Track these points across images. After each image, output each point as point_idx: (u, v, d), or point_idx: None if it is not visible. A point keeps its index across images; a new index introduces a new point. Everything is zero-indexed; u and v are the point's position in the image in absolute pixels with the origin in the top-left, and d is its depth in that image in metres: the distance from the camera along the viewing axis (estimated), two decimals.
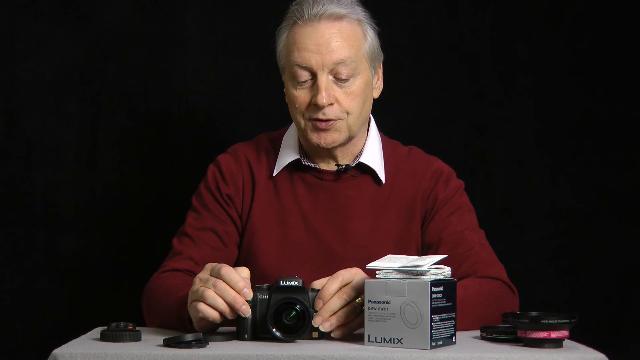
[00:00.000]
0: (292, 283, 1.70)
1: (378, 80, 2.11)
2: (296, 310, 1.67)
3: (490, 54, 2.67)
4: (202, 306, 1.70)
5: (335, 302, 1.69)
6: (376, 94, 2.11)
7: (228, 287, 1.68)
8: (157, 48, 2.61)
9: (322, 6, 2.02)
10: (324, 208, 2.09)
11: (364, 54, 2.04)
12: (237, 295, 1.68)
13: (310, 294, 1.70)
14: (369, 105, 2.09)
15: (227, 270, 1.70)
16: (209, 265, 1.75)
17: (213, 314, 1.70)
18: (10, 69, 2.57)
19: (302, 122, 2.04)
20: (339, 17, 2.02)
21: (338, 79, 2.01)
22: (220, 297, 1.68)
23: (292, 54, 2.02)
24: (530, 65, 2.67)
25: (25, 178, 2.57)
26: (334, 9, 2.02)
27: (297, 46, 2.02)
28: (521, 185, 2.67)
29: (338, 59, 1.99)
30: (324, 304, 1.69)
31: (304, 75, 2.01)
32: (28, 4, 2.57)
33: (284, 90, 2.09)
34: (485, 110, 2.67)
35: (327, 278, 1.72)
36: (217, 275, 1.70)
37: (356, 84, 2.02)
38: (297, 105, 2.03)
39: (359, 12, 2.06)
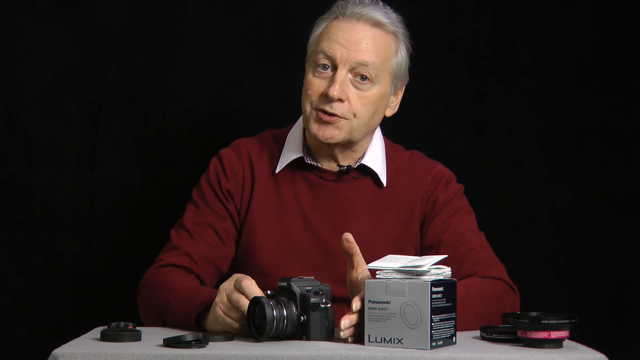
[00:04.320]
0: (282, 284, 1.72)
1: (395, 101, 2.12)
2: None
3: (490, 54, 2.67)
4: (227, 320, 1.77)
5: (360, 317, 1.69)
6: (389, 112, 2.12)
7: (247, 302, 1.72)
8: (157, 48, 2.61)
9: (366, 8, 2.05)
10: (323, 207, 2.10)
11: (389, 68, 2.06)
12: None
13: (302, 293, 1.69)
14: (378, 119, 2.09)
15: (247, 283, 1.73)
16: (234, 278, 1.77)
17: (234, 325, 1.76)
18: (10, 69, 2.57)
19: (309, 110, 2.04)
20: (377, 24, 2.04)
21: (356, 80, 2.02)
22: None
23: (322, 42, 2.04)
24: (530, 65, 2.67)
25: (25, 178, 2.57)
26: (376, 14, 2.05)
27: (328, 36, 2.04)
28: (521, 185, 2.67)
29: (362, 60, 2.01)
30: (357, 311, 1.68)
31: (326, 64, 2.02)
32: (28, 4, 2.57)
33: (304, 79, 2.09)
34: (485, 110, 2.67)
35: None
36: (238, 286, 1.74)
37: (372, 91, 2.03)
38: (309, 92, 2.04)
39: (399, 28, 2.08)
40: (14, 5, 2.57)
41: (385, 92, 2.06)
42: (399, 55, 2.08)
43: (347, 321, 1.67)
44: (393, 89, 2.09)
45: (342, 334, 1.67)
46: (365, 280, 1.66)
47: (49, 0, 2.58)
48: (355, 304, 1.67)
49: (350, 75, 2.02)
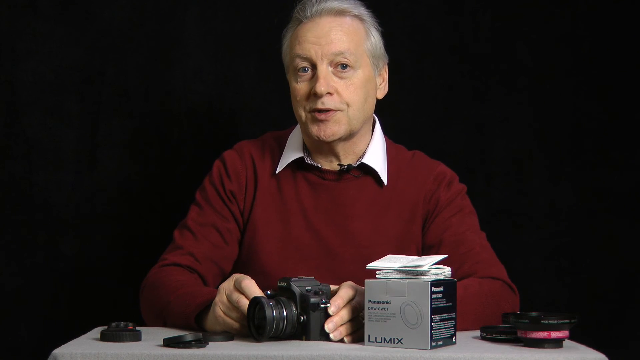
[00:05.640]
0: (282, 284, 1.72)
1: (382, 81, 2.13)
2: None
3: (490, 53, 2.67)
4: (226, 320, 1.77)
5: (350, 314, 1.69)
6: (380, 94, 2.13)
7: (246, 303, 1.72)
8: (157, 48, 2.61)
9: (323, 3, 2.07)
10: (325, 207, 2.10)
11: (366, 51, 2.06)
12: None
13: (301, 293, 1.69)
14: (372, 103, 2.10)
15: (247, 283, 1.74)
16: (234, 278, 1.77)
17: (234, 325, 1.76)
18: (10, 69, 2.57)
19: (303, 114, 2.05)
20: (340, 12, 2.06)
21: (338, 70, 2.03)
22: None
23: (294, 47, 2.06)
24: (530, 65, 2.67)
25: (25, 178, 2.57)
26: (334, 4, 2.07)
27: (298, 40, 2.05)
28: (521, 185, 2.67)
29: (337, 50, 2.02)
30: (338, 310, 1.68)
31: (305, 67, 2.03)
32: (28, 4, 2.57)
33: (291, 92, 2.10)
34: (485, 110, 2.67)
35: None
36: (238, 286, 1.75)
37: (357, 77, 2.04)
38: (298, 98, 2.05)
39: (362, 11, 2.10)
40: (14, 5, 2.57)
41: (369, 75, 2.07)
42: (372, 37, 2.09)
43: (331, 325, 1.68)
44: (377, 70, 2.10)
45: (331, 336, 1.68)
46: (365, 280, 1.66)
47: (48, 0, 2.58)
48: (331, 310, 1.68)
49: (331, 68, 2.03)
